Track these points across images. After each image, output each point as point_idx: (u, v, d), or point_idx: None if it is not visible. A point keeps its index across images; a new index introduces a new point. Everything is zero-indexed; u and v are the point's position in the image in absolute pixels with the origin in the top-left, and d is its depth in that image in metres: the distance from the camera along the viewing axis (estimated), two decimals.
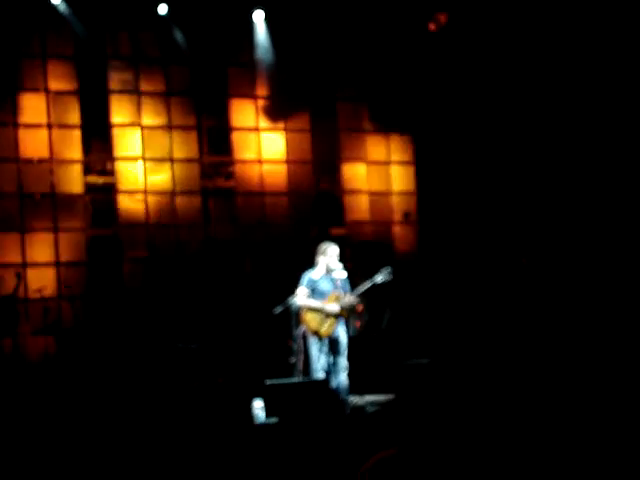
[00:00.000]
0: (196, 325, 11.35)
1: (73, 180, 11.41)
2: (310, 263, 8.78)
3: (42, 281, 10.91)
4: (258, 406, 8.29)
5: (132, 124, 11.79)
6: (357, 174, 13.05)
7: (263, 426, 7.96)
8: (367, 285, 8.81)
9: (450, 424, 3.27)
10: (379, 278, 8.77)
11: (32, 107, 11.25)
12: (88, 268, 11.46)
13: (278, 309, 8.93)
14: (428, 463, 3.06)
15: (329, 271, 8.75)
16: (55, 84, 11.40)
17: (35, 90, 11.28)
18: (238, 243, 12.27)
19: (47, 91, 11.34)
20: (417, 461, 3.06)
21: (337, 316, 8.68)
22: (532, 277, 11.30)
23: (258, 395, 8.28)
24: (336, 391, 8.64)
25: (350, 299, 8.72)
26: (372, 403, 9.22)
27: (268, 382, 8.06)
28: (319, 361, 8.66)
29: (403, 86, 12.84)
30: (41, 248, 11.19)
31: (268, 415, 7.98)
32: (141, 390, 7.83)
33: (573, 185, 11.46)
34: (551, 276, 11.20)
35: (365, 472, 3.32)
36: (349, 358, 8.81)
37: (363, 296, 9.00)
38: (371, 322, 11.14)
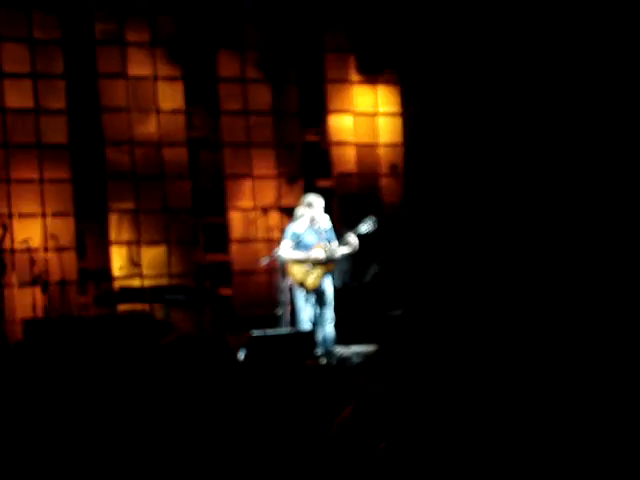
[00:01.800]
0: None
1: (58, 130, 11.29)
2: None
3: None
4: (242, 357, 8.33)
5: (118, 74, 11.64)
6: (344, 126, 12.88)
7: (245, 377, 8.00)
8: (351, 235, 8.78)
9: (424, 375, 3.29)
10: (363, 228, 8.74)
11: (15, 57, 11.10)
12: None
13: (264, 261, 8.94)
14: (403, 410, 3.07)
15: (314, 223, 8.73)
16: (39, 33, 11.23)
17: (19, 40, 11.13)
18: None
19: (31, 41, 11.19)
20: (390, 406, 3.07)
21: (323, 267, 8.70)
22: (523, 230, 11.26)
23: (243, 346, 8.32)
24: (322, 342, 8.71)
25: (335, 250, 8.72)
26: (358, 354, 9.29)
27: (254, 333, 8.10)
28: (305, 312, 8.71)
29: (392, 34, 12.57)
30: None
31: (253, 366, 8.02)
32: (126, 340, 7.89)
33: (565, 137, 11.31)
34: (542, 230, 11.12)
35: (339, 422, 3.35)
36: (335, 310, 8.86)
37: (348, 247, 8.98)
38: (355, 274, 11.16)
